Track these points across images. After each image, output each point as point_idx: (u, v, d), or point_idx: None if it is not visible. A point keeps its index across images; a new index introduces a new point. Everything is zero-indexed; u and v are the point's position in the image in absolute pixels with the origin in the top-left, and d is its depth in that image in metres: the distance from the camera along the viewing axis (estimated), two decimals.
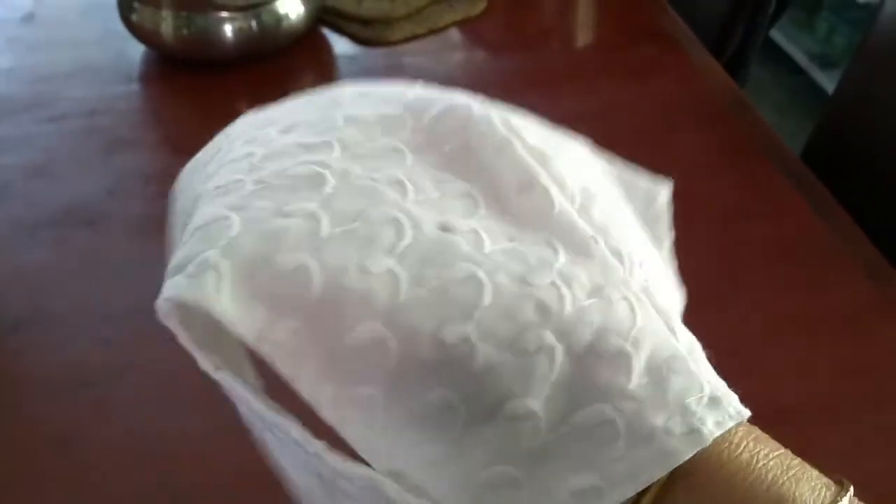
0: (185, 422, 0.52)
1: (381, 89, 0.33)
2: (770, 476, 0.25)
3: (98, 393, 0.54)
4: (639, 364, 0.26)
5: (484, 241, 0.27)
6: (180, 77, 0.86)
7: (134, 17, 0.86)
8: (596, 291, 0.27)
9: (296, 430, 0.26)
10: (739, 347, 0.55)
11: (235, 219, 0.27)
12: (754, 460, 0.25)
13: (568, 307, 0.26)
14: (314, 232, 0.26)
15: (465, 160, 0.30)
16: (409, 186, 0.28)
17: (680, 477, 0.25)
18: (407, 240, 0.27)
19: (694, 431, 0.25)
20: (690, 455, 0.25)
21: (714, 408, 0.26)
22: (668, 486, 0.25)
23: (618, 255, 0.28)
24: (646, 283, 0.28)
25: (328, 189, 0.27)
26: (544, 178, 0.29)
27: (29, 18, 0.98)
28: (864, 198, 0.76)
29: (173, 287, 0.25)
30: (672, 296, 0.32)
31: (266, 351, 0.25)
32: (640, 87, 0.83)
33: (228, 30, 0.83)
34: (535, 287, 0.26)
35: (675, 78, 0.88)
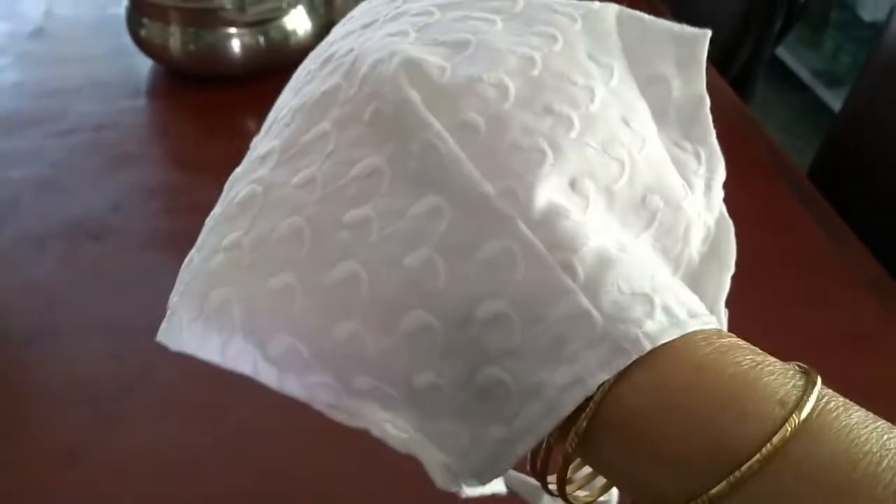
0: (195, 436, 0.52)
1: (340, 48, 0.34)
2: (728, 374, 0.25)
3: (108, 407, 0.54)
4: (519, 320, 0.27)
5: (372, 230, 0.29)
6: (188, 92, 0.86)
7: (142, 33, 0.86)
8: (472, 253, 0.27)
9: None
10: None
11: (195, 258, 0.31)
12: (708, 361, 0.25)
13: (441, 281, 0.28)
14: (237, 263, 0.30)
15: (379, 127, 0.31)
16: (319, 182, 0.30)
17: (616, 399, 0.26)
18: (305, 248, 0.30)
19: (577, 381, 0.25)
20: (574, 408, 0.26)
21: (607, 346, 0.25)
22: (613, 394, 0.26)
23: (511, 193, 0.28)
24: (549, 212, 0.27)
25: (255, 210, 0.31)
26: (437, 132, 0.29)
27: (38, 33, 0.98)
28: (870, 215, 0.76)
29: (161, 333, 0.30)
30: (670, 186, 0.32)
31: (225, 364, 0.29)
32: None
33: (236, 45, 0.84)
34: (410, 270, 0.28)
35: None
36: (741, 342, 0.27)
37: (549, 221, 0.27)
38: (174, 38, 0.84)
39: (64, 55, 0.95)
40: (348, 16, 0.40)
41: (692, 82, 0.36)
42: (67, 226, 0.69)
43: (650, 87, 0.35)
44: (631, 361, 0.25)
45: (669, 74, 0.36)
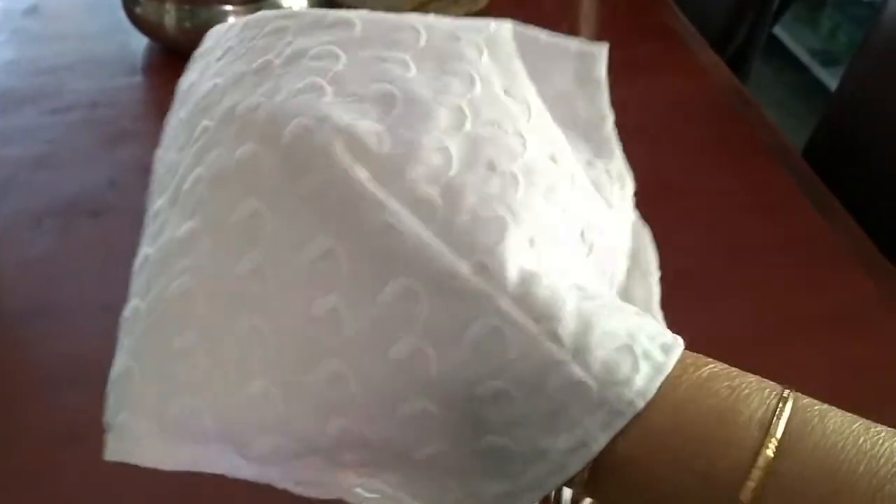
0: None
1: (241, 101, 0.32)
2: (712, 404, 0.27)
3: (104, 388, 0.54)
4: (519, 394, 0.27)
5: (345, 323, 0.28)
6: (183, 69, 0.85)
7: (137, 10, 0.86)
8: (460, 335, 0.27)
9: None
10: (739, 345, 0.55)
11: (135, 370, 0.30)
12: (690, 401, 0.27)
13: (434, 370, 0.28)
14: (194, 368, 0.29)
15: (319, 203, 0.29)
16: (269, 271, 0.29)
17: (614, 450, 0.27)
18: (272, 349, 0.29)
19: (582, 446, 0.27)
20: (581, 468, 0.27)
21: (606, 411, 0.27)
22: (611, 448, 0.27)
23: (484, 270, 0.28)
24: (524, 282, 0.28)
25: (198, 309, 0.29)
26: (392, 211, 0.28)
27: (32, 10, 0.98)
28: (866, 195, 0.76)
29: (110, 453, 0.29)
30: (598, 217, 0.33)
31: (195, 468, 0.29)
32: (644, 84, 0.83)
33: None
34: (399, 361, 0.28)
35: (679, 75, 0.88)
36: (716, 367, 0.28)
37: (527, 293, 0.27)
38: (169, 16, 0.84)
39: (59, 32, 0.95)
40: (213, 44, 0.37)
41: (594, 100, 0.38)
42: (64, 203, 0.69)
43: (556, 106, 0.36)
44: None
45: (572, 94, 0.38)
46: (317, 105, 0.30)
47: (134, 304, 0.31)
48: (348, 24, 0.33)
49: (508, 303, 0.27)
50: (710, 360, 0.28)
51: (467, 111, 0.31)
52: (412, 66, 0.32)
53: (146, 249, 0.32)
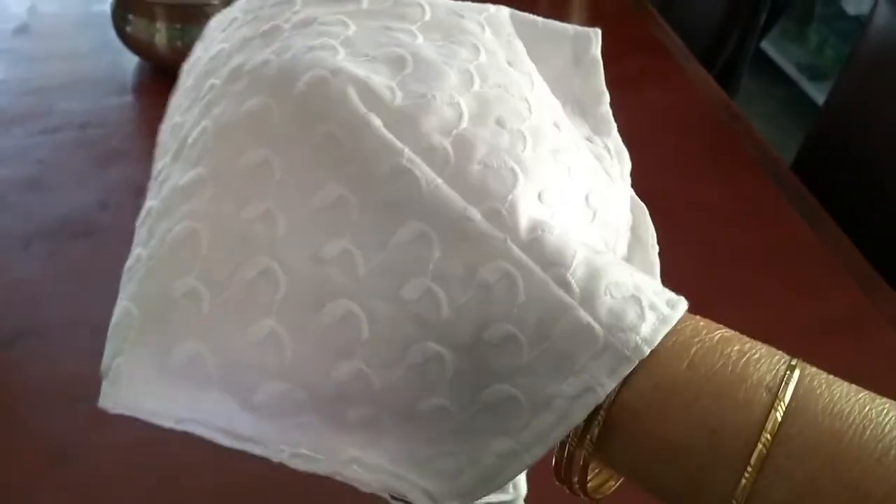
0: (183, 434, 0.51)
1: (249, 59, 0.32)
2: (719, 366, 0.27)
3: (95, 405, 0.54)
4: (526, 339, 0.28)
5: (357, 264, 0.28)
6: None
7: (128, 29, 0.86)
8: (470, 278, 0.28)
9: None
10: None
11: (134, 313, 0.29)
12: (698, 365, 0.27)
13: (445, 311, 0.28)
14: (198, 311, 0.28)
15: (332, 151, 0.29)
16: (279, 215, 0.29)
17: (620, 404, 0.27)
18: (282, 291, 0.28)
19: (587, 391, 0.27)
20: (586, 415, 0.27)
21: (611, 356, 0.27)
22: (615, 408, 0.27)
23: (496, 216, 0.28)
24: (534, 229, 0.28)
25: (203, 250, 0.29)
26: (407, 159, 0.28)
27: (22, 30, 0.98)
28: (854, 208, 0.77)
29: (104, 398, 0.29)
30: (601, 184, 0.33)
31: (196, 419, 0.29)
32: (632, 97, 0.83)
33: None
34: (410, 302, 0.28)
35: (667, 88, 0.88)
36: (727, 332, 0.28)
37: (537, 240, 0.28)
38: (160, 35, 0.84)
39: (49, 52, 0.95)
40: (222, 18, 0.38)
41: (591, 79, 0.38)
42: (54, 224, 0.69)
43: (555, 86, 0.36)
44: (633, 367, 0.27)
45: (569, 73, 0.38)
46: (330, 60, 0.30)
47: (136, 254, 0.31)
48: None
49: (519, 248, 0.28)
50: (720, 325, 0.29)
51: (475, 74, 0.31)
52: (419, 35, 0.33)
53: (149, 203, 0.32)
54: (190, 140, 0.31)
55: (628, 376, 0.27)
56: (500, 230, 0.28)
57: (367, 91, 0.29)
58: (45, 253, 0.66)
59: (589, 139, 0.36)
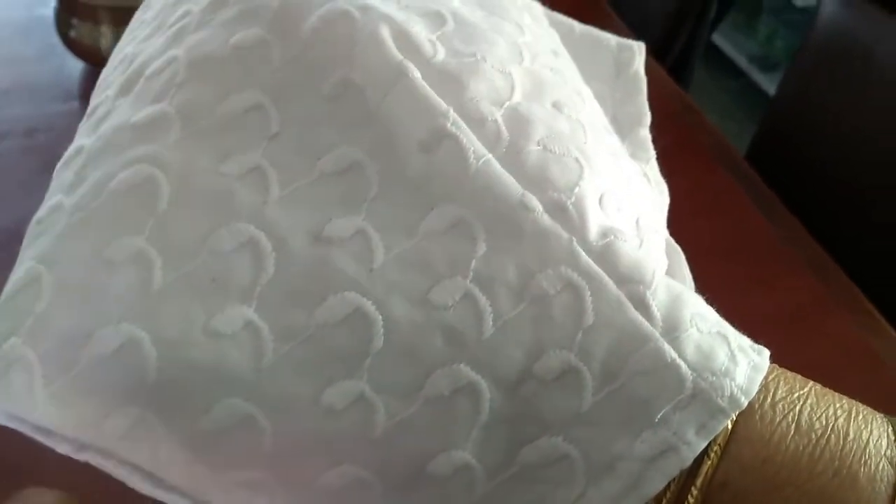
0: None
1: None
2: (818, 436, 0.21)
3: None
4: (591, 376, 0.21)
5: (374, 250, 0.21)
6: None
7: (72, 34, 0.84)
8: (524, 286, 0.21)
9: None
10: None
11: (45, 280, 0.21)
12: (793, 421, 0.21)
13: (488, 327, 0.21)
14: (144, 285, 0.20)
15: (349, 104, 0.23)
16: (272, 174, 0.22)
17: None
18: (268, 272, 0.21)
19: (669, 451, 0.20)
20: (665, 483, 0.20)
21: (702, 405, 0.21)
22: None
23: (560, 210, 0.22)
24: (606, 234, 0.22)
25: (162, 204, 0.21)
26: (453, 122, 0.22)
27: None
28: (806, 197, 0.78)
29: None
30: (650, 212, 0.26)
31: (105, 448, 0.20)
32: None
33: None
34: (442, 309, 0.21)
35: None
36: (814, 384, 0.24)
37: (610, 247, 0.22)
38: (105, 39, 0.82)
39: None
40: None
41: (632, 96, 0.32)
42: (2, 234, 0.67)
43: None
44: (728, 422, 0.21)
45: (608, 88, 0.32)
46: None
47: (53, 202, 0.23)
48: None
49: (588, 253, 0.21)
50: (795, 374, 0.24)
51: (524, 50, 0.25)
52: (458, 2, 0.26)
53: (80, 142, 0.25)
54: (149, 71, 0.24)
55: (727, 445, 0.21)
56: (565, 228, 0.22)
57: (403, 36, 0.23)
58: None
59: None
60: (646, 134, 0.31)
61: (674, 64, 1.12)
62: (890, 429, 0.22)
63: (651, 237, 0.25)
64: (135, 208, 0.21)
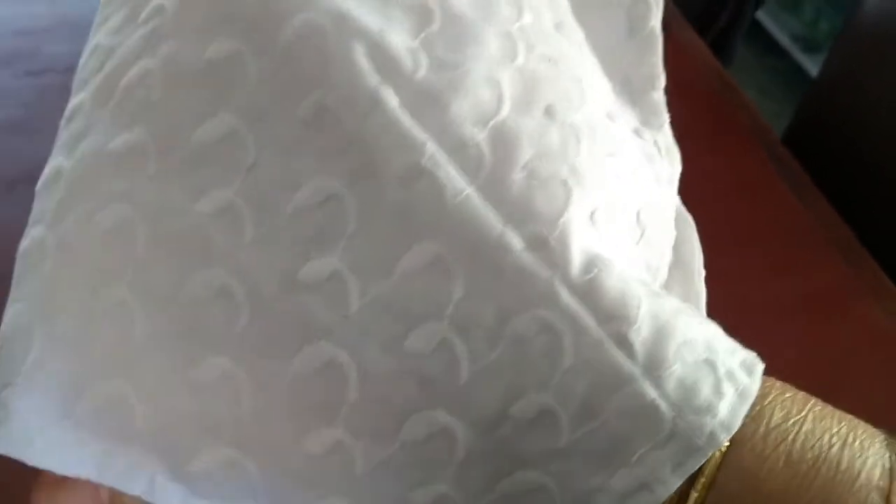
0: None
1: None
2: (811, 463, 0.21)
3: None
4: (569, 417, 0.21)
5: (349, 293, 0.21)
6: None
7: None
8: (501, 329, 0.21)
9: None
10: None
11: (36, 330, 0.21)
12: (786, 453, 0.21)
13: (464, 373, 0.21)
14: (125, 339, 0.21)
15: (326, 129, 0.22)
16: (246, 212, 0.21)
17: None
18: (242, 321, 0.21)
19: (642, 488, 0.21)
20: None
21: (679, 445, 0.21)
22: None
23: (542, 246, 0.21)
24: (590, 268, 0.21)
25: (140, 248, 0.21)
26: (430, 158, 0.21)
27: None
28: (843, 181, 0.77)
29: None
30: (653, 200, 0.26)
31: (105, 482, 0.21)
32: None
33: None
34: (418, 356, 0.21)
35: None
36: (813, 403, 0.23)
37: (593, 282, 0.21)
38: None
39: None
40: None
41: (646, 56, 0.30)
42: (39, 169, 0.68)
43: (602, 61, 0.29)
44: (718, 452, 0.21)
45: (621, 47, 0.30)
46: (335, 1, 0.22)
47: (36, 235, 0.23)
48: None
49: (570, 292, 0.21)
50: (796, 390, 0.24)
51: (519, 41, 0.24)
52: None
53: (59, 162, 0.24)
54: (124, 82, 0.23)
55: (716, 476, 0.21)
56: (546, 266, 0.21)
57: (380, 53, 0.22)
58: (30, 197, 0.65)
59: (637, 132, 0.29)
60: (659, 97, 0.31)
61: (715, 39, 1.11)
62: (888, 454, 0.22)
63: (652, 229, 0.25)
64: (115, 253, 0.22)
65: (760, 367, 0.23)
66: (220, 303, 0.21)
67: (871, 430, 0.22)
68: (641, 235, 0.24)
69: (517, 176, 0.22)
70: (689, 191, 0.73)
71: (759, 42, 2.23)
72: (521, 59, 0.23)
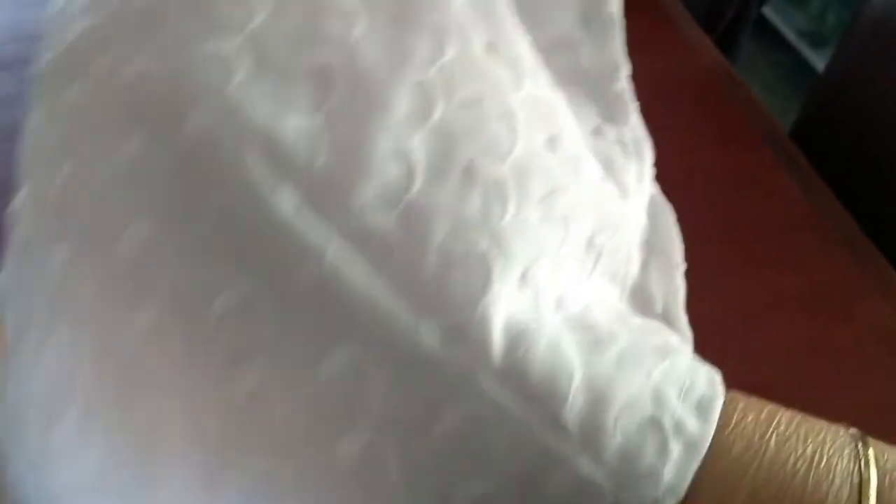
0: None
1: (125, 58, 0.23)
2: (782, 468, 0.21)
3: None
4: (508, 500, 0.20)
5: (271, 410, 0.21)
6: None
7: None
8: (428, 426, 0.20)
9: None
10: (720, 324, 0.55)
11: None
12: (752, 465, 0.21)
13: (393, 473, 0.20)
14: (84, 467, 0.21)
15: (230, 235, 0.21)
16: (173, 330, 0.21)
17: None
18: (178, 445, 0.21)
19: None
20: None
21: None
22: None
23: (460, 336, 0.20)
24: (513, 349, 0.20)
25: (87, 379, 0.22)
26: (332, 255, 0.20)
27: None
28: (851, 177, 0.76)
29: None
30: (611, 211, 0.25)
31: None
32: (630, 61, 0.82)
33: None
34: (346, 461, 0.20)
35: (666, 52, 0.87)
36: (780, 425, 0.22)
37: (518, 364, 0.21)
38: None
39: None
40: None
41: (605, 45, 0.29)
42: None
43: (555, 56, 0.27)
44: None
45: (576, 38, 0.28)
46: (225, 89, 0.21)
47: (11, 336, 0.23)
48: None
49: (493, 379, 0.20)
50: (763, 407, 0.23)
51: (437, 90, 0.22)
52: (361, 18, 0.23)
53: (12, 268, 0.24)
54: (52, 190, 0.23)
55: None
56: (465, 357, 0.20)
57: (273, 149, 0.21)
58: None
59: (598, 131, 0.28)
60: (622, 88, 0.28)
61: (722, 35, 1.10)
62: (856, 468, 0.21)
63: (612, 241, 0.24)
64: (63, 386, 0.21)
65: (719, 401, 0.22)
66: (156, 428, 0.20)
67: (839, 440, 0.22)
68: (599, 257, 0.24)
69: (430, 260, 0.21)
70: (696, 187, 0.73)
71: (766, 37, 2.22)
72: (437, 115, 0.22)
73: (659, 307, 0.27)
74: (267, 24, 0.21)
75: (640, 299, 0.27)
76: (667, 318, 0.27)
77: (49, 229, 0.23)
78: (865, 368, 0.55)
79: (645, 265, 0.28)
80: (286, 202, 0.20)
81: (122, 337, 0.21)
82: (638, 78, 0.86)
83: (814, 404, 0.57)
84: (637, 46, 0.94)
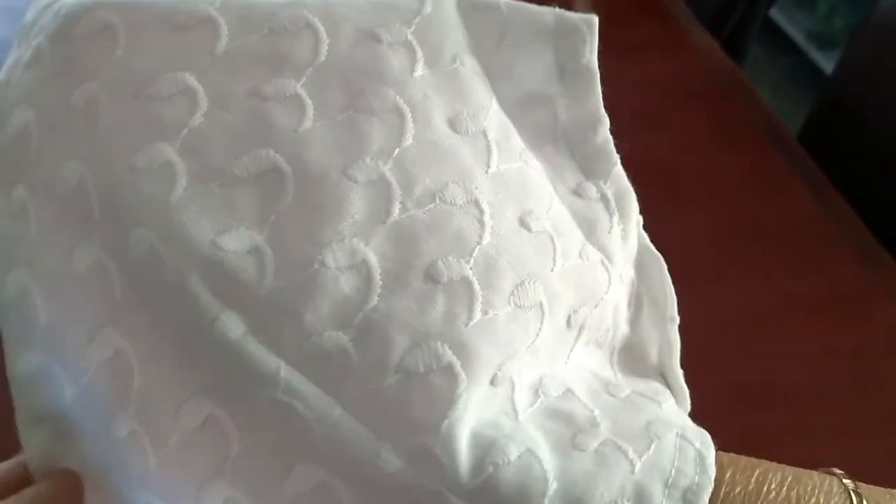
0: None
1: (60, 165, 0.21)
2: None
3: None
4: None
5: None
6: None
7: None
8: None
9: None
10: (729, 328, 0.55)
11: None
12: None
13: None
14: None
15: (190, 359, 0.20)
16: (145, 439, 0.21)
17: None
18: None
19: None
20: None
21: None
22: None
23: (426, 457, 0.19)
24: (482, 468, 0.20)
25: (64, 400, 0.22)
26: (285, 386, 0.19)
27: None
28: (860, 179, 0.76)
29: None
30: (593, 277, 0.24)
31: None
32: (637, 64, 0.82)
33: None
34: None
35: (673, 56, 0.87)
36: (762, 485, 0.22)
37: (487, 484, 0.19)
38: None
39: None
40: (32, 19, 0.26)
41: (582, 98, 0.26)
42: None
43: (529, 111, 0.26)
44: None
45: (551, 91, 0.26)
46: (164, 203, 0.20)
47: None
48: (208, 24, 0.22)
49: (462, 500, 0.19)
50: (753, 472, 0.22)
51: (394, 185, 0.21)
52: (307, 106, 0.22)
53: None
54: (7, 301, 0.22)
55: None
56: (431, 479, 0.19)
57: (216, 274, 0.20)
58: None
59: (577, 191, 0.26)
60: (603, 140, 0.26)
61: (728, 38, 1.10)
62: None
63: (596, 312, 0.23)
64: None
65: (707, 488, 0.21)
66: None
67: (824, 494, 0.21)
68: (581, 330, 0.23)
69: (390, 382, 0.20)
70: (705, 191, 0.73)
71: (773, 40, 2.22)
72: (395, 213, 0.21)
73: (654, 359, 0.26)
74: (208, 121, 0.21)
75: (632, 354, 0.26)
76: (661, 371, 0.26)
77: (18, 338, 0.22)
78: (880, 373, 0.54)
79: (636, 318, 0.27)
80: (232, 330, 0.19)
81: (109, 444, 0.21)
82: (644, 82, 0.86)
83: (824, 406, 0.57)
84: (644, 50, 0.95)
